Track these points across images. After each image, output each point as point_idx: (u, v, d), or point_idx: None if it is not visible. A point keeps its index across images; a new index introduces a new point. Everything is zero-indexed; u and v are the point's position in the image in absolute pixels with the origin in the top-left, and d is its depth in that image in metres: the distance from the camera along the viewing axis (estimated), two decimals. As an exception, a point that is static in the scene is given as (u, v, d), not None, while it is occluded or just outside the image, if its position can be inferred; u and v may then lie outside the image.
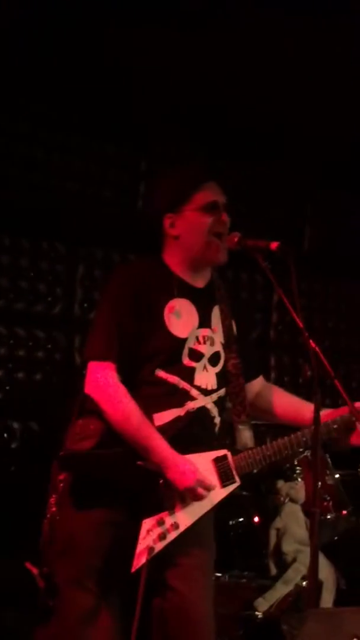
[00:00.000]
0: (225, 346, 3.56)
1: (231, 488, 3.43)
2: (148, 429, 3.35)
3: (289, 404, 3.73)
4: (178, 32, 5.55)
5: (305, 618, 2.63)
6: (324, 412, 3.39)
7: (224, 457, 3.45)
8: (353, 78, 6.15)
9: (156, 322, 3.44)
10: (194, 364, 3.48)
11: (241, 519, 5.52)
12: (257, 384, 3.77)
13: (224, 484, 3.42)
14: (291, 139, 7.03)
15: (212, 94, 6.33)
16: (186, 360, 3.47)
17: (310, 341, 3.23)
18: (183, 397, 3.45)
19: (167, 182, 3.59)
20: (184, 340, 3.47)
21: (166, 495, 3.33)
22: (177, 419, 3.43)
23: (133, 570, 3.27)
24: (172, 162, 3.83)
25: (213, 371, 3.53)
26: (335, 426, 3.42)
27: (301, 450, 5.56)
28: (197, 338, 3.50)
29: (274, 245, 3.36)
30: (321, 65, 6.03)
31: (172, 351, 3.45)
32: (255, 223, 4.34)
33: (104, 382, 3.38)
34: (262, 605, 5.27)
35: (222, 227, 3.49)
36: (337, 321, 8.25)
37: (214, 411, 3.53)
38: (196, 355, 3.49)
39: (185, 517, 3.35)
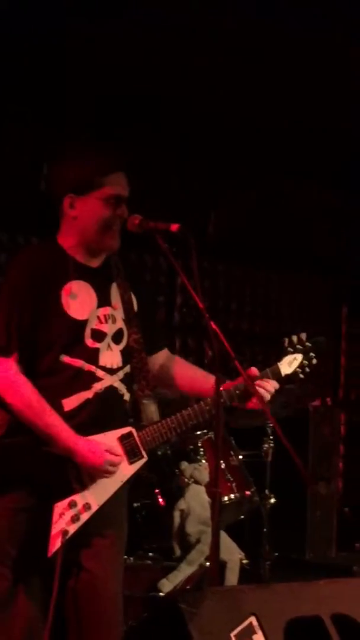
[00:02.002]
0: (127, 322, 3.56)
1: (139, 464, 3.44)
2: (50, 416, 3.35)
3: (191, 376, 3.75)
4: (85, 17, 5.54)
5: (203, 596, 2.64)
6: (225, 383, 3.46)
7: (129, 434, 3.46)
8: (247, 62, 6.20)
9: (54, 307, 3.43)
10: (97, 345, 3.48)
11: (145, 501, 5.53)
12: (161, 357, 3.78)
13: (131, 461, 3.43)
14: (197, 125, 7.06)
15: (120, 82, 6.33)
16: (89, 342, 3.46)
17: (211, 322, 3.25)
18: (89, 379, 3.45)
19: (74, 163, 3.55)
20: (85, 322, 3.46)
21: (75, 477, 3.34)
22: (87, 401, 3.43)
23: (49, 554, 3.27)
24: (79, 145, 3.79)
25: (117, 349, 3.53)
26: (237, 392, 3.46)
27: (204, 431, 5.68)
28: (98, 318, 3.49)
29: (174, 227, 3.36)
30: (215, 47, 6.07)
31: (73, 334, 3.44)
32: (161, 208, 4.33)
33: (4, 375, 3.37)
34: (166, 587, 5.30)
35: (118, 221, 3.49)
36: (241, 304, 8.35)
37: (122, 389, 3.54)
38: (99, 335, 3.48)
39: (96, 497, 3.36)
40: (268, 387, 3.50)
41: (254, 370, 3.50)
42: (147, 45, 5.94)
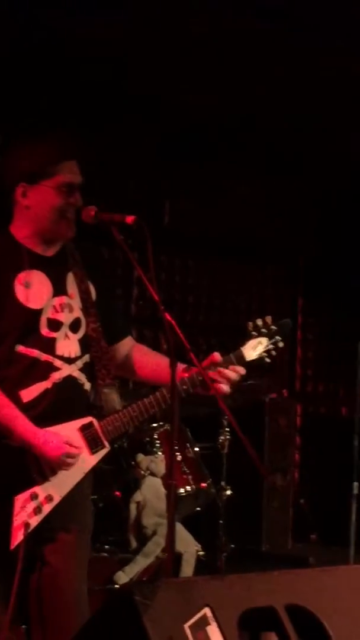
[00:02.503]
0: (84, 311, 3.54)
1: (101, 454, 3.41)
2: (7, 408, 3.32)
3: (155, 364, 3.70)
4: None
5: (157, 588, 2.64)
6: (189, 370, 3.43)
7: (90, 424, 3.43)
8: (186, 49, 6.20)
9: (7, 297, 3.39)
10: (54, 334, 3.45)
11: (102, 493, 5.52)
12: (126, 345, 3.75)
13: (93, 451, 3.41)
14: (150, 115, 7.05)
15: (72, 70, 6.30)
16: (45, 331, 3.44)
17: (166, 314, 3.23)
18: (47, 369, 3.42)
19: (25, 152, 3.52)
20: (39, 311, 3.44)
21: (36, 469, 3.32)
22: (45, 392, 3.40)
23: (11, 547, 3.25)
24: (31, 133, 3.74)
25: (75, 338, 3.51)
26: (200, 378, 3.43)
27: (161, 423, 5.69)
28: (53, 307, 3.47)
29: (130, 219, 3.34)
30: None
31: (27, 324, 3.41)
32: (115, 198, 4.32)
33: None
34: (122, 579, 5.30)
35: (72, 209, 3.46)
36: (198, 296, 8.36)
37: (82, 378, 3.51)
38: (55, 325, 3.46)
39: (58, 489, 3.33)
40: (231, 375, 3.46)
41: (216, 355, 3.46)
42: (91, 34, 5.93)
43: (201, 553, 5.77)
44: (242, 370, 3.46)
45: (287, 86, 6.79)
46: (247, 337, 3.50)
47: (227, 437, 6.12)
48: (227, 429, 6.12)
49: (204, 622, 2.65)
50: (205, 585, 2.77)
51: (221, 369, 3.44)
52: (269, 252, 8.71)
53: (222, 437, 6.13)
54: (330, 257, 8.74)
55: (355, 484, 6.22)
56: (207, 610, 2.66)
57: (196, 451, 5.90)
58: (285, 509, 7.68)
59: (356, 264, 8.50)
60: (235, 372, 3.45)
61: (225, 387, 3.43)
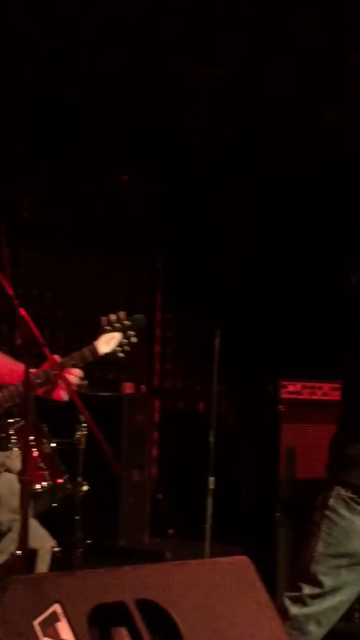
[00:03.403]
0: None
1: None
2: None
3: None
4: None
5: (6, 585, 2.62)
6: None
7: None
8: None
9: None
10: None
11: None
12: None
13: None
14: (12, 110, 6.98)
15: None
16: None
17: (20, 309, 3.21)
18: None
19: None
20: None
21: None
22: None
23: None
24: None
25: None
26: (39, 380, 3.44)
27: (17, 419, 5.62)
28: None
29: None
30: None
31: None
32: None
33: None
34: (-24, 576, 5.23)
35: None
36: (56, 291, 8.33)
37: None
38: None
39: None
40: (72, 380, 3.48)
41: (56, 357, 3.48)
42: None
43: (57, 549, 5.73)
44: (80, 373, 3.50)
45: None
46: (100, 331, 3.54)
47: (84, 432, 6.10)
48: (84, 425, 6.10)
49: (53, 618, 2.64)
50: (56, 582, 2.76)
51: (64, 373, 3.47)
52: (127, 248, 8.73)
53: (79, 433, 6.11)
54: (188, 253, 8.80)
55: (211, 478, 6.29)
56: (57, 607, 2.66)
57: (53, 447, 5.87)
58: (142, 504, 7.71)
59: (213, 261, 8.58)
60: (74, 376, 3.50)
61: (65, 395, 3.47)
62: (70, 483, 5.92)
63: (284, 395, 6.46)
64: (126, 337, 3.56)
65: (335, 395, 5.93)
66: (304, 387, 6.51)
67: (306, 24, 5.82)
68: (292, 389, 6.49)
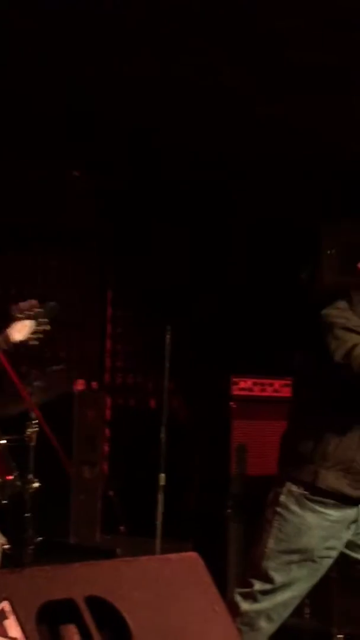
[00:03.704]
0: None
1: None
2: None
3: None
4: None
5: None
6: None
7: None
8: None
9: None
10: None
11: None
12: None
13: None
14: None
15: None
16: None
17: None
18: None
19: None
20: None
21: None
22: None
23: None
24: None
25: None
26: None
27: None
28: None
29: None
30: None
31: None
32: None
33: None
34: None
35: None
36: (6, 288, 8.30)
37: None
38: None
39: None
40: None
41: None
42: None
43: (7, 547, 5.70)
44: None
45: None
46: (11, 319, 3.52)
47: (35, 429, 6.07)
48: (35, 421, 6.07)
49: (2, 616, 2.63)
50: (4, 579, 2.74)
51: None
52: (78, 244, 8.69)
53: (30, 430, 6.07)
54: (140, 250, 8.79)
55: (162, 475, 6.29)
56: (5, 604, 2.64)
57: (3, 443, 5.83)
58: (93, 501, 7.69)
59: (163, 258, 8.57)
60: None
61: None
62: (20, 480, 5.88)
63: (235, 392, 6.48)
64: (38, 324, 3.54)
65: (286, 392, 5.95)
66: (255, 384, 6.53)
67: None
68: (243, 386, 6.51)
